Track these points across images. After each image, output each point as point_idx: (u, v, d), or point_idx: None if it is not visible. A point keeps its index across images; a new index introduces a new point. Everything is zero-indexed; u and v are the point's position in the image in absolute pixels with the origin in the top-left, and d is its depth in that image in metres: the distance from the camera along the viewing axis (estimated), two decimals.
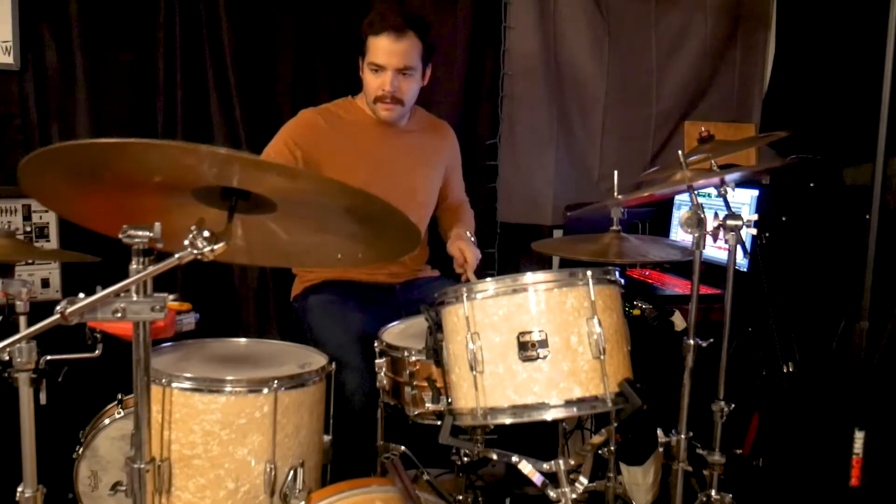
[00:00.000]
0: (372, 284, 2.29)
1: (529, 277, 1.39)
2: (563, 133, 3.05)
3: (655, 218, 2.86)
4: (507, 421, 1.38)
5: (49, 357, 1.52)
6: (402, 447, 1.92)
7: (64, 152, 1.06)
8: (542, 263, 2.82)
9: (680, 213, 2.77)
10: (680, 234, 2.75)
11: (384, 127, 2.29)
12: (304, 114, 2.28)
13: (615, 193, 1.92)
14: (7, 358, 1.35)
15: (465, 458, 1.95)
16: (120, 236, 1.11)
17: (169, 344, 1.82)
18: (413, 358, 1.68)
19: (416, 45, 2.17)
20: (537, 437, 1.91)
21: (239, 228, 1.34)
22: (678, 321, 2.27)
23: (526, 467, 1.49)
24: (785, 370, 2.32)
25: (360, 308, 2.15)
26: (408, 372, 1.69)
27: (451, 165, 2.48)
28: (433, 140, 2.41)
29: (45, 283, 2.33)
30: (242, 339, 1.91)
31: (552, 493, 1.48)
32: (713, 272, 2.35)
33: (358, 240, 1.42)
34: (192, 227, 1.12)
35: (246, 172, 1.15)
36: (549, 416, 1.36)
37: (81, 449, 1.89)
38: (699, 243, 1.72)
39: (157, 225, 1.11)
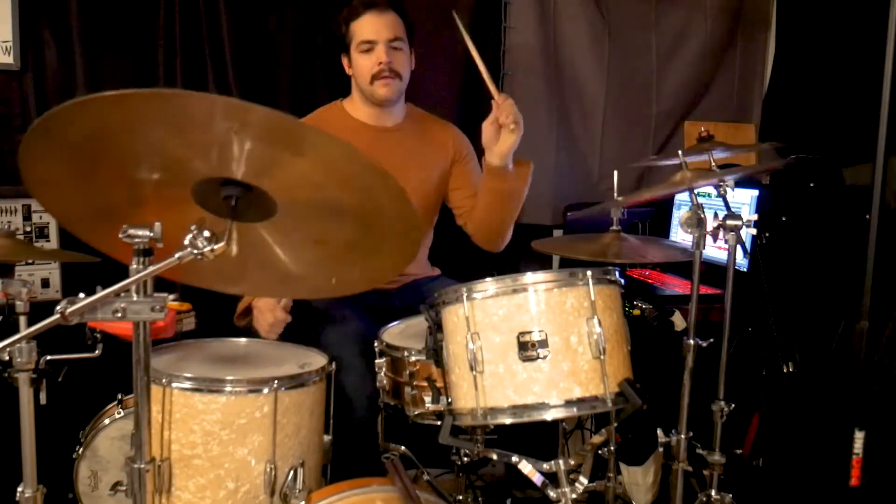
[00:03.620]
0: (370, 290, 2.28)
1: (529, 277, 1.39)
2: (563, 133, 3.05)
3: (655, 218, 2.87)
4: (507, 421, 1.37)
5: (49, 357, 1.52)
6: (402, 447, 1.92)
7: (64, 115, 1.03)
8: (543, 263, 2.82)
9: (680, 213, 2.77)
10: (680, 234, 2.75)
11: (371, 129, 2.27)
12: None
13: (615, 194, 1.92)
14: (7, 358, 1.35)
15: (465, 458, 1.95)
16: (120, 236, 1.11)
17: (169, 344, 1.82)
18: (413, 358, 1.68)
19: (399, 21, 2.20)
20: (537, 437, 1.91)
21: (234, 247, 1.33)
22: (678, 321, 2.27)
23: (526, 467, 1.49)
24: (785, 370, 2.32)
25: (357, 313, 2.14)
26: (408, 372, 1.69)
27: (461, 162, 2.39)
28: (429, 139, 2.37)
29: (45, 283, 2.33)
30: (242, 339, 1.91)
31: (552, 493, 1.48)
32: (713, 272, 2.35)
33: (354, 253, 1.39)
34: (192, 227, 1.12)
35: (253, 150, 1.11)
36: (549, 416, 1.36)
37: (81, 449, 1.89)
38: (699, 243, 1.72)
39: (158, 225, 1.11)
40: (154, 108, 1.07)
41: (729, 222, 1.73)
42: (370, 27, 2.17)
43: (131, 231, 1.10)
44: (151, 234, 1.10)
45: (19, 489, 1.39)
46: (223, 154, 1.13)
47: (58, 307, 1.06)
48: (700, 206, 1.71)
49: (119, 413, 1.90)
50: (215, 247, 1.12)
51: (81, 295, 1.08)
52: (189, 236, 1.12)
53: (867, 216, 2.04)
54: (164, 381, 1.56)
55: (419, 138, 2.35)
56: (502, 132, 2.04)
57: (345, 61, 2.26)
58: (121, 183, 1.20)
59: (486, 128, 2.06)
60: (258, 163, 1.15)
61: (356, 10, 2.18)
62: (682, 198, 2.83)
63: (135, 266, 1.11)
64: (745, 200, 2.50)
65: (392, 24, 2.18)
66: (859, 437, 2.03)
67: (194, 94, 1.02)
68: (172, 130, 1.10)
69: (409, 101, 2.38)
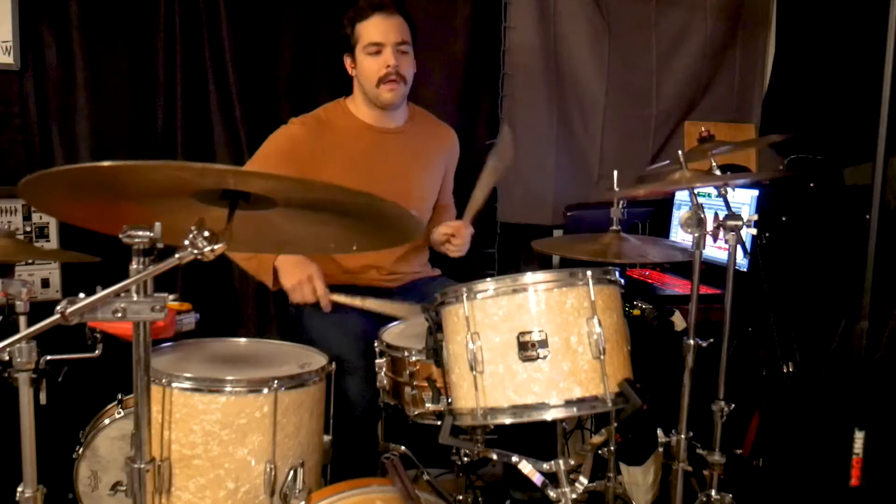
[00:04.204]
0: (370, 288, 2.28)
1: (529, 277, 1.39)
2: (563, 133, 3.05)
3: (655, 218, 2.87)
4: (507, 421, 1.38)
5: (49, 357, 1.51)
6: (402, 447, 1.92)
7: (60, 175, 1.07)
8: (543, 263, 2.82)
9: (680, 213, 2.77)
10: (680, 234, 2.75)
11: (375, 131, 2.27)
12: (291, 127, 2.25)
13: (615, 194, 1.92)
14: (7, 358, 1.35)
15: (465, 458, 1.95)
16: (120, 236, 1.11)
17: (169, 344, 1.82)
18: (413, 358, 1.68)
19: (405, 24, 2.20)
20: (537, 437, 1.91)
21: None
22: (678, 321, 2.27)
23: (526, 467, 1.49)
24: (785, 370, 2.32)
25: (358, 312, 2.14)
26: (408, 372, 1.69)
27: (448, 169, 2.46)
28: (430, 141, 2.38)
29: (45, 283, 2.33)
30: (242, 339, 1.91)
31: (552, 493, 1.48)
32: (713, 272, 2.35)
33: (358, 230, 1.41)
34: (192, 227, 1.12)
35: (243, 180, 1.15)
36: (549, 416, 1.36)
37: (81, 449, 1.89)
38: (699, 243, 1.72)
39: (158, 225, 1.11)
40: (146, 173, 1.11)
41: (729, 222, 1.73)
42: (378, 29, 2.15)
43: (131, 231, 1.10)
44: (151, 234, 1.10)
45: (19, 489, 1.39)
46: (216, 182, 1.16)
47: (58, 307, 1.06)
48: (700, 206, 1.71)
49: (119, 413, 1.90)
50: (215, 247, 1.12)
51: (81, 295, 1.08)
52: (189, 236, 1.12)
53: (867, 216, 2.04)
54: (164, 381, 1.56)
55: (422, 140, 2.35)
56: (447, 247, 2.27)
57: (347, 62, 2.25)
58: (122, 196, 1.21)
59: (437, 238, 2.29)
60: (254, 185, 1.17)
61: (364, 11, 2.16)
62: (682, 198, 2.83)
63: (135, 266, 1.11)
64: (745, 200, 2.50)
65: (399, 27, 2.17)
66: (859, 437, 2.02)
67: (176, 166, 1.07)
68: (166, 179, 1.14)
69: (410, 101, 2.38)
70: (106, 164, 1.00)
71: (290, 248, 1.85)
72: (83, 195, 1.19)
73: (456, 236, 2.24)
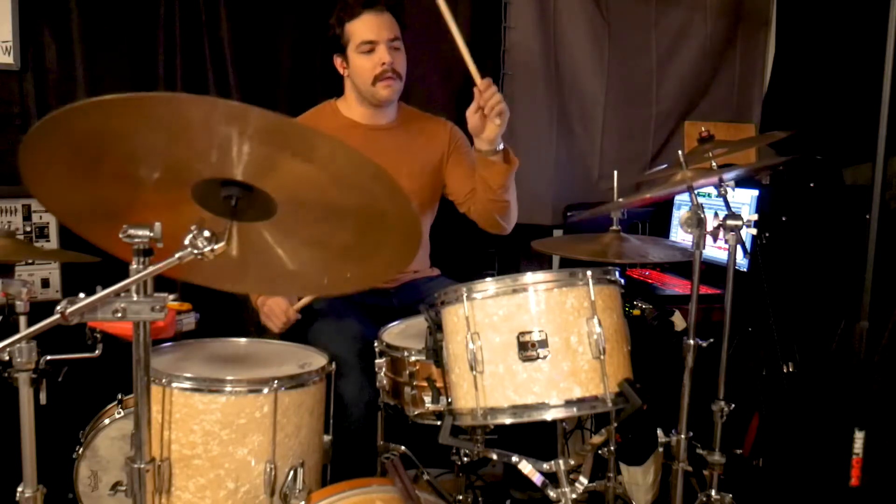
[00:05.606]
0: (368, 288, 2.28)
1: (529, 277, 1.39)
2: (563, 133, 3.05)
3: (655, 218, 2.87)
4: (507, 421, 1.37)
5: (49, 357, 1.52)
6: (402, 447, 1.92)
7: (64, 119, 1.03)
8: (542, 263, 2.82)
9: (680, 213, 2.77)
10: (680, 234, 2.75)
11: (365, 128, 2.27)
12: None
13: (615, 194, 1.92)
14: (7, 358, 1.35)
15: (465, 458, 1.95)
16: (120, 236, 1.11)
17: (169, 344, 1.82)
18: (413, 358, 1.68)
19: (394, 20, 2.18)
20: (537, 437, 1.91)
21: (234, 249, 1.33)
22: (678, 321, 2.27)
23: (526, 467, 1.49)
24: (785, 370, 2.32)
25: (355, 313, 2.14)
26: (408, 372, 1.69)
27: (456, 151, 2.36)
28: (422, 136, 2.34)
29: (45, 283, 2.33)
30: (242, 339, 1.91)
31: (552, 493, 1.48)
32: (713, 272, 2.35)
33: (351, 255, 1.39)
34: (192, 227, 1.12)
35: (253, 152, 1.12)
36: (549, 416, 1.36)
37: (81, 449, 1.89)
38: (699, 243, 1.72)
39: (158, 225, 1.11)
40: (154, 111, 1.07)
41: (729, 222, 1.73)
42: (370, 27, 2.14)
43: (131, 231, 1.10)
44: (151, 234, 1.10)
45: (19, 489, 1.39)
46: (223, 156, 1.13)
47: (58, 307, 1.06)
48: (700, 206, 1.71)
49: (119, 413, 1.90)
50: (215, 247, 1.12)
51: (81, 295, 1.08)
52: (189, 236, 1.12)
53: (867, 216, 2.04)
54: (164, 381, 1.56)
55: (412, 135, 2.33)
56: (487, 122, 2.02)
57: (338, 62, 2.24)
58: (121, 182, 1.19)
59: (471, 117, 2.05)
60: (258, 163, 1.15)
61: (353, 10, 2.15)
62: (682, 198, 2.83)
63: (135, 266, 1.11)
64: (745, 200, 2.50)
65: (391, 24, 2.16)
66: (859, 437, 2.02)
67: (193, 97, 1.02)
68: (172, 133, 1.10)
69: (402, 101, 2.37)
70: (111, 97, 0.98)
71: (281, 287, 1.82)
72: (83, 176, 1.17)
73: (482, 97, 1.97)
